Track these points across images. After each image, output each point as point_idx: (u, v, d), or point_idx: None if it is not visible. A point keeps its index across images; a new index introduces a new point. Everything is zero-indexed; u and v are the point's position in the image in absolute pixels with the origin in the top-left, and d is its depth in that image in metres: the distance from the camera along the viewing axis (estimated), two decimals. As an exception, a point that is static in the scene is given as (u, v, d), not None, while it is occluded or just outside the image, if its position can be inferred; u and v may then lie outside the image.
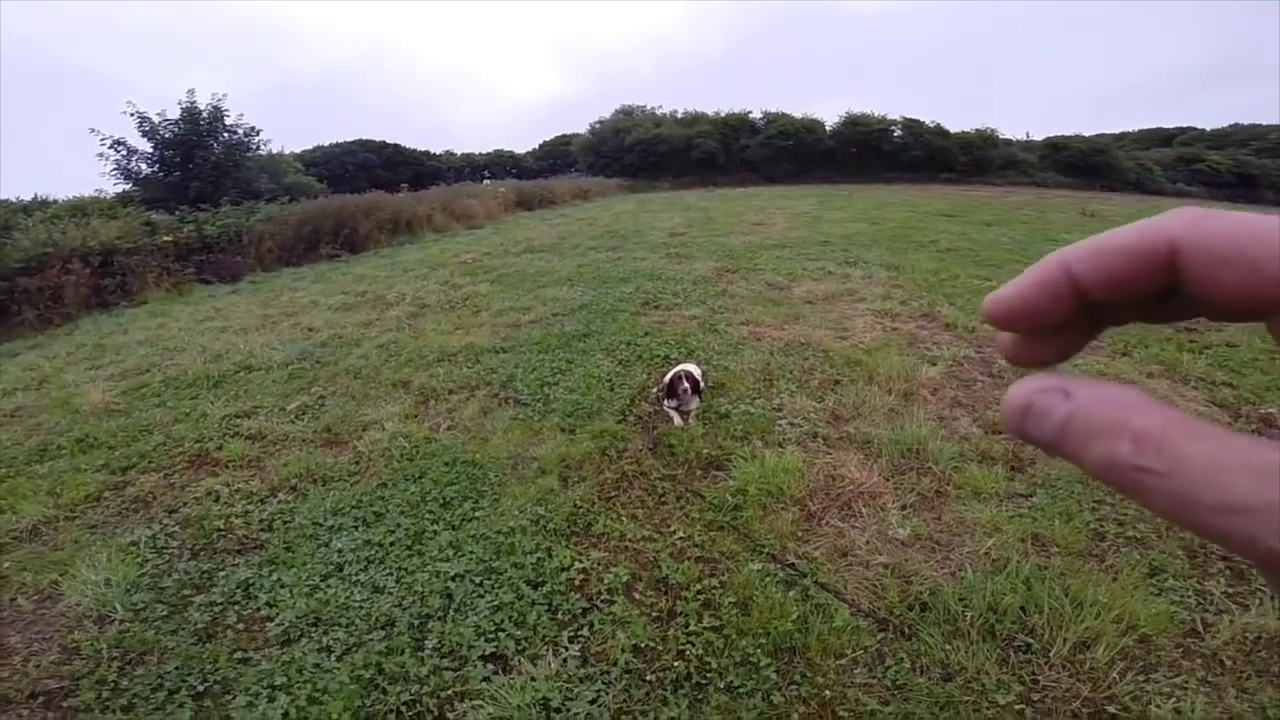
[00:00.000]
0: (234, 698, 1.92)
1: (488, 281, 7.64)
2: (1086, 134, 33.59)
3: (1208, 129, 38.81)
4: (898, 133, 31.39)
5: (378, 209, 12.68)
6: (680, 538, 2.56)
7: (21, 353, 6.17)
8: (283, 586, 2.39)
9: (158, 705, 1.90)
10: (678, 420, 3.50)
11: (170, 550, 2.66)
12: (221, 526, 2.80)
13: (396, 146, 42.98)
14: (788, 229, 11.35)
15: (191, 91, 15.28)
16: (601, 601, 2.22)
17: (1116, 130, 39.81)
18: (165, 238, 9.43)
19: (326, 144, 41.45)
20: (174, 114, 15.15)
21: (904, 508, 2.69)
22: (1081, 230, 11.36)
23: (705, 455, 3.18)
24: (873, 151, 30.68)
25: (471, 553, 2.51)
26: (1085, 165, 30.39)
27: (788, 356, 4.53)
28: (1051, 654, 1.94)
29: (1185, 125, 40.68)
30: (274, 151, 21.63)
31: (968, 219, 12.72)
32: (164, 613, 2.30)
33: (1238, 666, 1.92)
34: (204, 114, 15.43)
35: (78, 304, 7.89)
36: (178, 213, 10.57)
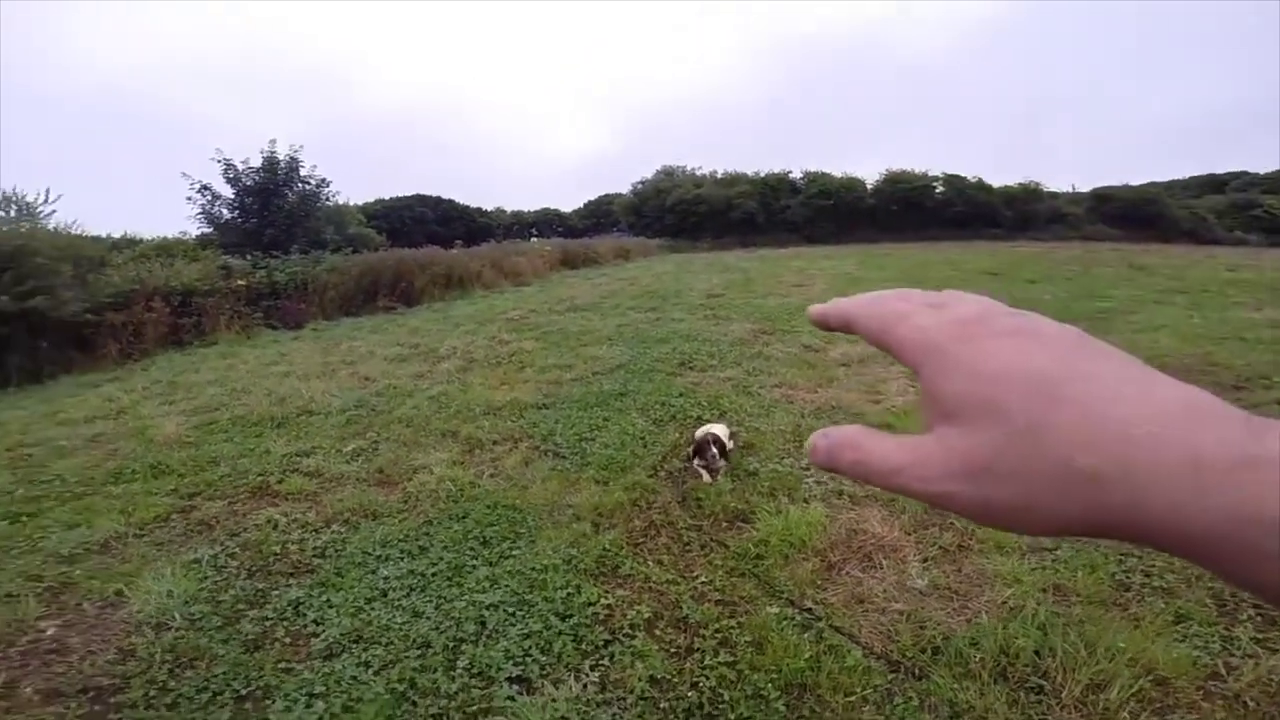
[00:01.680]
0: (274, 702, 2.07)
1: (533, 339, 7.95)
2: (1135, 182, 32.44)
3: (1261, 172, 36.41)
4: (939, 189, 31.08)
5: (433, 264, 13.30)
6: (703, 582, 2.66)
7: (102, 384, 6.70)
8: (330, 606, 2.56)
9: (200, 705, 2.07)
10: (706, 477, 3.61)
11: (229, 569, 2.86)
12: (278, 551, 3.00)
13: (451, 202, 44.82)
14: (826, 290, 11.50)
15: (273, 141, 16.30)
16: (624, 635, 2.33)
17: (1166, 178, 37.72)
18: (239, 282, 10.04)
19: (387, 197, 43.43)
20: (256, 161, 16.08)
21: (924, 560, 2.74)
22: (1128, 283, 11.18)
23: (731, 509, 3.27)
24: (915, 209, 30.33)
25: (507, 585, 2.66)
26: (1135, 216, 29.26)
27: (818, 419, 4.61)
28: (1063, 695, 1.95)
29: (1238, 170, 38.33)
30: (340, 203, 22.70)
31: (1013, 277, 12.66)
32: (218, 623, 2.47)
33: (1260, 708, 1.90)
34: (282, 163, 16.27)
35: (156, 341, 8.49)
36: (249, 258, 11.24)
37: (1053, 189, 31.95)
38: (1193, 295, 9.74)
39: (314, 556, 2.97)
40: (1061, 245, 23.60)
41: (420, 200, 43.69)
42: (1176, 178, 38.12)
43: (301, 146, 16.72)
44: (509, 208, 51.01)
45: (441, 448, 4.32)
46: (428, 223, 39.74)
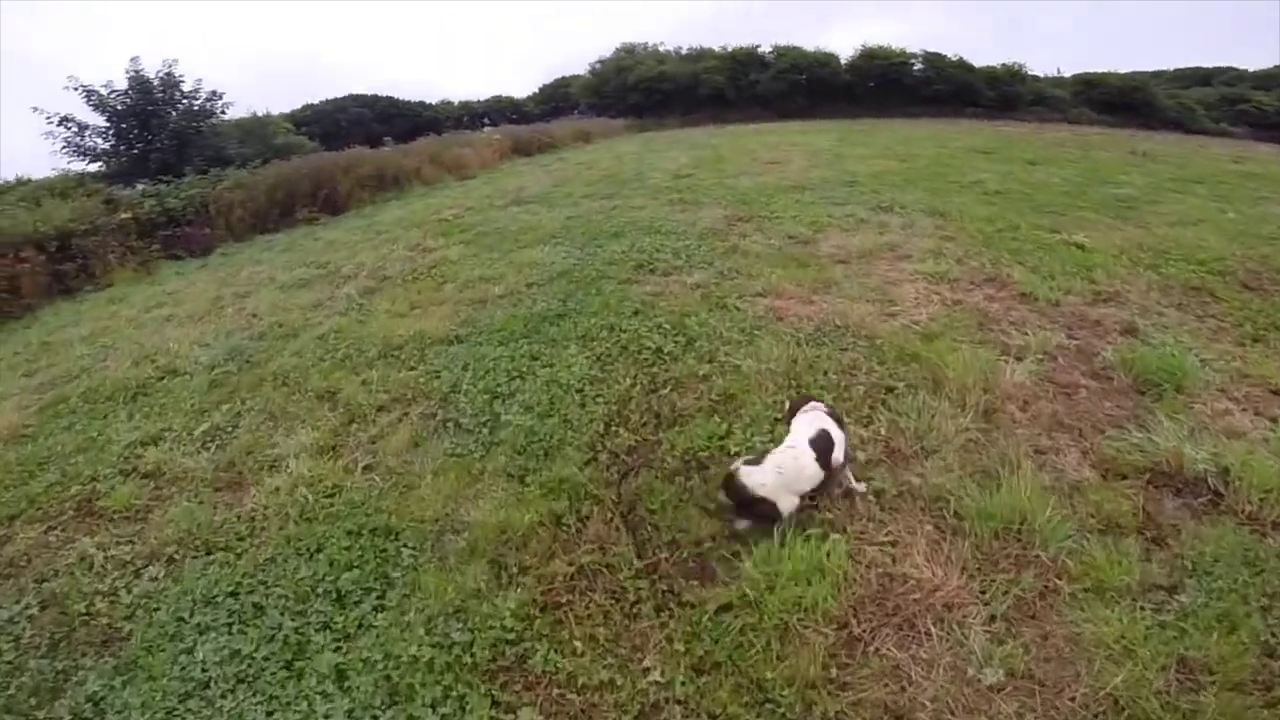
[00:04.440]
0: None
1: (461, 243, 6.71)
2: (1120, 71, 31.64)
3: (1250, 69, 35.89)
4: (918, 66, 29.67)
5: (358, 165, 11.79)
6: (655, 683, 1.74)
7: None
8: (133, 709, 1.98)
9: None
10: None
11: (25, 640, 2.29)
12: (84, 610, 2.38)
13: (391, 99, 41.12)
14: (807, 168, 10.08)
15: (136, 59, 14.06)
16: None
17: (1151, 69, 36.83)
18: (124, 215, 8.82)
19: (317, 102, 39.79)
20: (121, 84, 14.08)
21: (992, 621, 1.82)
22: (1137, 170, 10.20)
23: (702, 533, 2.29)
24: (892, 85, 29.11)
25: (358, 690, 1.84)
26: (1121, 103, 28.64)
27: (819, 347, 3.53)
28: None
29: (1224, 65, 37.67)
30: (259, 114, 20.55)
31: (1007, 157, 11.38)
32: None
33: None
34: (155, 82, 14.33)
35: (36, 293, 7.41)
36: (140, 187, 9.98)
37: (1035, 73, 31.23)
38: (1210, 186, 8.73)
39: (124, 619, 2.33)
40: (1048, 127, 22.53)
41: (355, 100, 39.94)
42: (1162, 69, 37.31)
43: (175, 60, 14.64)
44: (456, 99, 46.91)
45: (312, 422, 3.39)
46: (367, 123, 36.38)
